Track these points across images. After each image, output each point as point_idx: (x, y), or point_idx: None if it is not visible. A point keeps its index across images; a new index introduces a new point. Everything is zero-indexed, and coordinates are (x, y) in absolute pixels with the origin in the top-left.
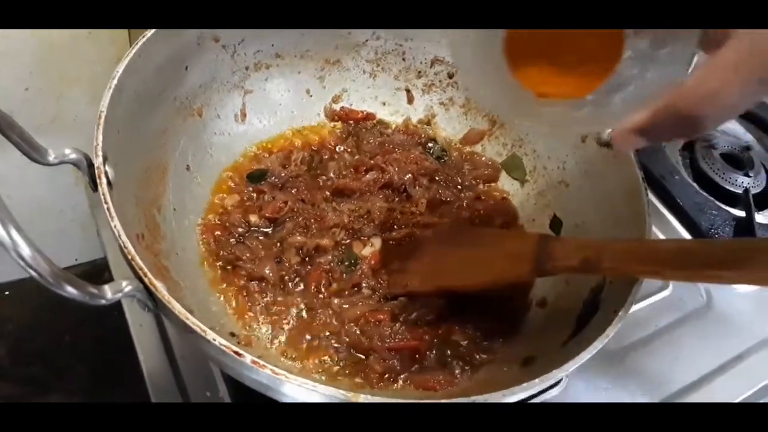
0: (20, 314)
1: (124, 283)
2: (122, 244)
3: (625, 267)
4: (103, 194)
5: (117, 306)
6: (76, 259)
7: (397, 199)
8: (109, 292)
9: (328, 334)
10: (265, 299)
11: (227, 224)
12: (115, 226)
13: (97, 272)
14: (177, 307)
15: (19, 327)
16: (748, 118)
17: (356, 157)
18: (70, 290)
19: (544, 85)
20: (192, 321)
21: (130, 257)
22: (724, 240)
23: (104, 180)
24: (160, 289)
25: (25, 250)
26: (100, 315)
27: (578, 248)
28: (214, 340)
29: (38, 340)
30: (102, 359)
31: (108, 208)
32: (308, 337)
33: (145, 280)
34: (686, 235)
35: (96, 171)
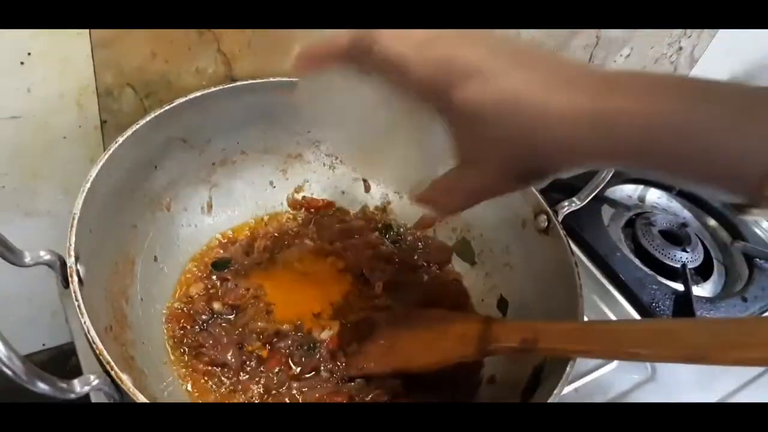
0: None
1: (92, 377)
2: (91, 340)
3: (560, 347)
4: (75, 292)
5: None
6: (43, 344)
7: (355, 283)
8: (77, 386)
9: None
10: (227, 385)
11: (192, 312)
12: (84, 323)
13: (64, 357)
14: (140, 398)
15: None
16: (685, 196)
17: (317, 242)
18: (42, 386)
19: None
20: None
21: (98, 352)
22: (653, 320)
23: (76, 279)
24: (126, 381)
25: (0, 350)
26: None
27: (517, 330)
28: None
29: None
30: None
31: (79, 306)
32: None
33: (112, 373)
34: (630, 310)
35: (69, 270)
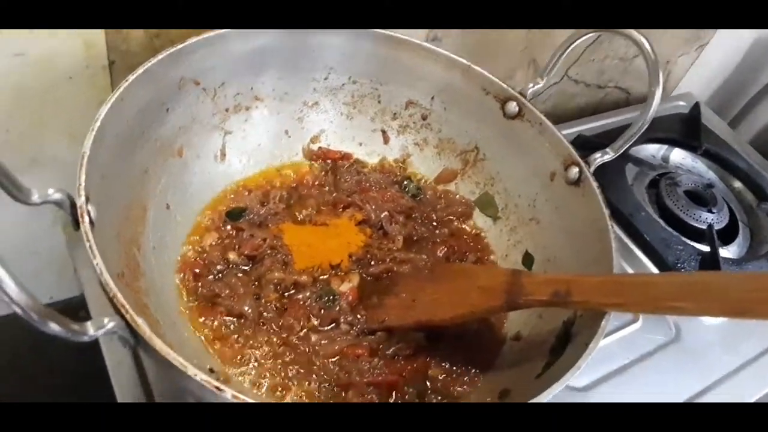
0: None
1: (105, 320)
2: (104, 282)
3: (594, 300)
4: (86, 233)
5: (94, 348)
6: (51, 298)
7: (375, 236)
8: (91, 329)
9: (306, 369)
10: (244, 336)
11: (206, 262)
12: (97, 264)
13: (71, 310)
14: (158, 343)
15: None
16: (710, 157)
17: (334, 194)
18: (53, 327)
19: None
20: (173, 356)
21: (111, 294)
22: (686, 273)
23: (86, 219)
24: (142, 325)
25: (10, 286)
26: (75, 357)
27: (548, 283)
28: (195, 375)
29: (12, 382)
30: (78, 400)
31: (90, 246)
32: (286, 372)
33: (127, 316)
34: (654, 270)
35: (78, 210)
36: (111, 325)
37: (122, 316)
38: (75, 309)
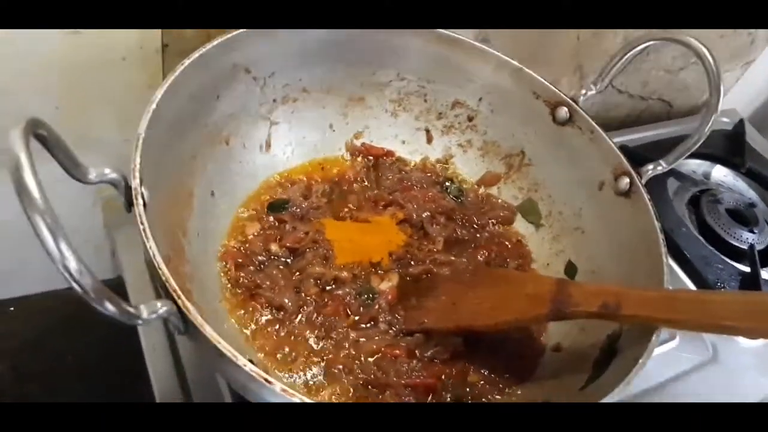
0: (24, 332)
1: (159, 304)
2: (157, 265)
3: (645, 315)
4: (140, 215)
5: (125, 330)
6: None
7: (415, 236)
8: (144, 312)
9: (343, 366)
10: (283, 329)
11: (248, 252)
12: (150, 247)
13: None
14: (209, 331)
15: (21, 345)
16: (752, 176)
17: (375, 191)
18: (110, 307)
19: None
20: (224, 345)
21: (164, 278)
22: (742, 292)
23: (141, 201)
24: (193, 311)
25: (72, 264)
26: (106, 338)
27: (598, 294)
28: (245, 366)
29: (40, 359)
30: (105, 382)
31: (144, 229)
32: (324, 368)
33: (179, 302)
34: (692, 287)
35: (133, 192)
36: (164, 309)
37: (174, 301)
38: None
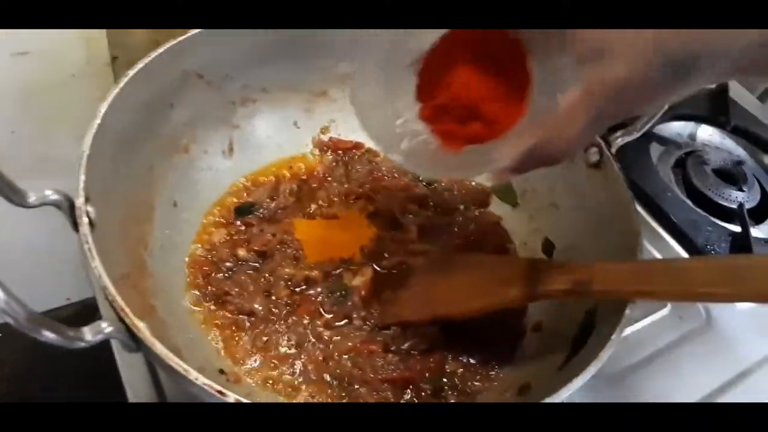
0: (15, 358)
1: (104, 325)
2: (102, 285)
3: (618, 289)
4: (84, 235)
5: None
6: (67, 299)
7: (387, 228)
8: (88, 334)
9: (319, 367)
10: (255, 334)
11: (215, 260)
12: (95, 267)
13: (89, 311)
14: (158, 347)
15: (14, 371)
16: (738, 133)
17: (346, 185)
18: (47, 334)
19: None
20: (174, 361)
21: (110, 298)
22: (719, 256)
23: (85, 221)
24: (142, 329)
25: (0, 296)
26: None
27: (569, 271)
28: (197, 379)
29: (30, 387)
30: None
31: (89, 249)
32: (299, 370)
33: (126, 320)
34: (682, 253)
35: (77, 212)
36: (110, 329)
37: (122, 320)
38: (92, 309)
